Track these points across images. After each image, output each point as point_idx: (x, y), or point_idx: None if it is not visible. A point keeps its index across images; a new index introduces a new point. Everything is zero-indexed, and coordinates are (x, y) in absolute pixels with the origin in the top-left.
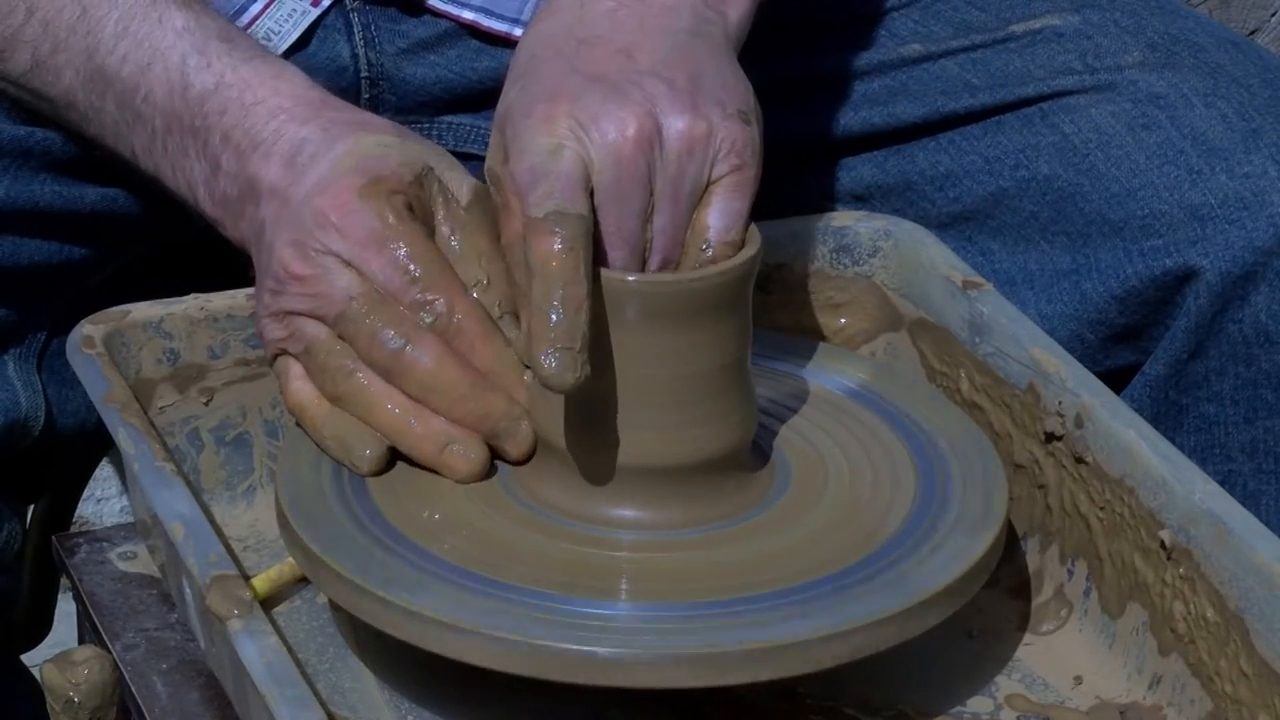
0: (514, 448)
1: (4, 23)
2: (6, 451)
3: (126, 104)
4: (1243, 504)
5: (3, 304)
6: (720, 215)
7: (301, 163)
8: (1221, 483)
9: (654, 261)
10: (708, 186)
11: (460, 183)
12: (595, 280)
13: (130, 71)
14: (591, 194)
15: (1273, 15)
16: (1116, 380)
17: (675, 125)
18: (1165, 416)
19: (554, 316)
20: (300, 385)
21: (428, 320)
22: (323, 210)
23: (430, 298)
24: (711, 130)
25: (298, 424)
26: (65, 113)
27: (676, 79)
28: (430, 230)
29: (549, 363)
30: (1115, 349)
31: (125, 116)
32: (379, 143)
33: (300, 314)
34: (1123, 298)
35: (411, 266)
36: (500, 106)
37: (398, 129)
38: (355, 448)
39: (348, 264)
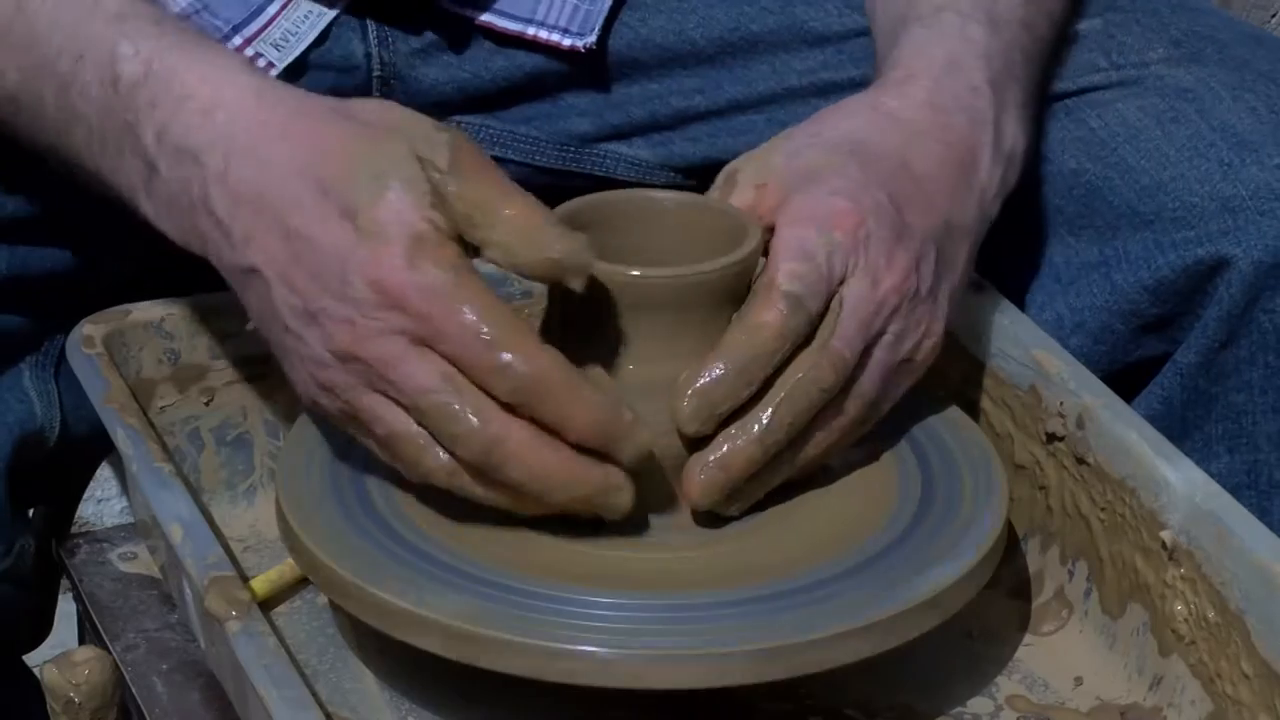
0: (612, 516)
1: None
2: (23, 463)
3: (64, 101)
4: (1267, 492)
5: (18, 312)
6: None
7: (270, 197)
8: (1247, 472)
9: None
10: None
11: (434, 146)
12: None
13: (65, 65)
14: None
15: (1273, 16)
16: (1146, 370)
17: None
18: (1194, 405)
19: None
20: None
21: (506, 387)
22: (376, 282)
23: (505, 359)
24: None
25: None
26: (13, 118)
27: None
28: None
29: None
30: (1145, 339)
31: (63, 114)
32: (371, 171)
33: (371, 395)
34: (1154, 288)
35: (484, 329)
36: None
37: (352, 121)
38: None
39: (419, 342)
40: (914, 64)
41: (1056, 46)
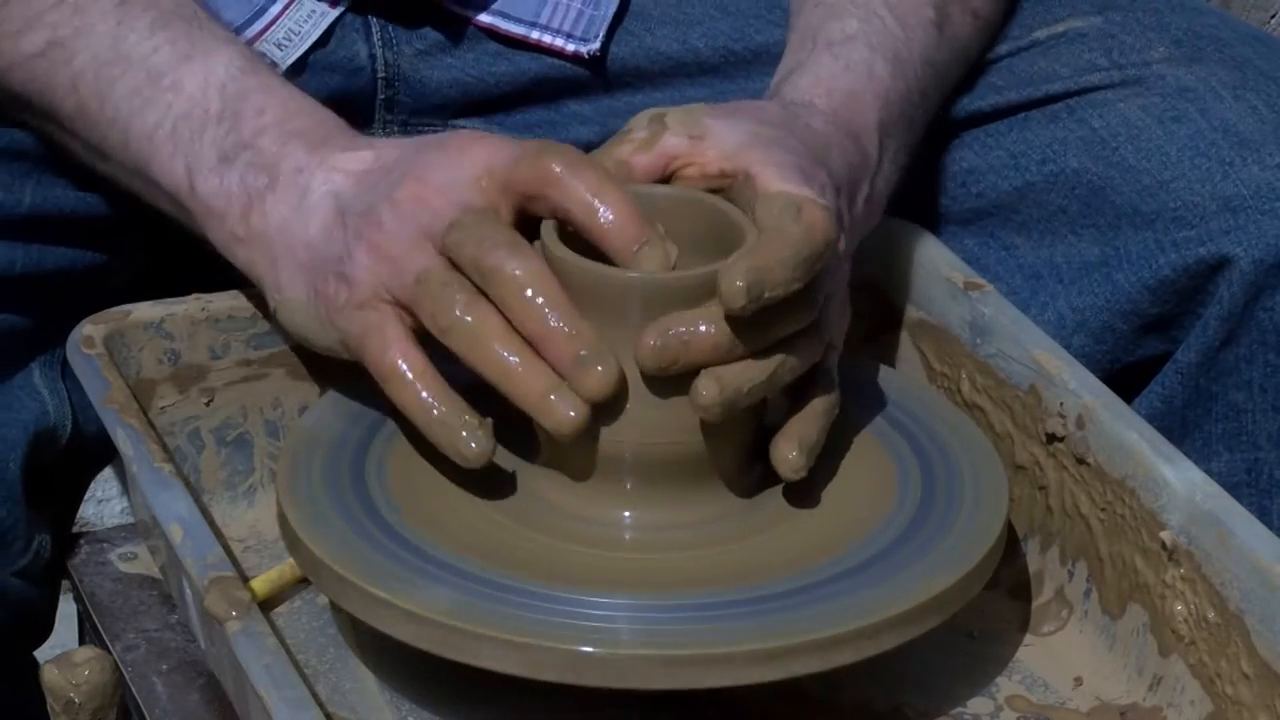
0: (592, 382)
1: (31, 5)
2: (37, 461)
3: (146, 86)
4: (1268, 491)
5: (28, 312)
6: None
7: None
8: (1247, 471)
9: None
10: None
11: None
12: None
13: (162, 60)
14: None
15: (1273, 16)
16: (1147, 369)
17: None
18: (1195, 404)
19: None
20: (404, 343)
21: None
22: (422, 186)
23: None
24: None
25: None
26: (48, 96)
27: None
28: None
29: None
30: (1146, 339)
31: (138, 99)
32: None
33: (406, 247)
34: (1155, 287)
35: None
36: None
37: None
38: (463, 439)
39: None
40: (814, 92)
41: (967, 73)
